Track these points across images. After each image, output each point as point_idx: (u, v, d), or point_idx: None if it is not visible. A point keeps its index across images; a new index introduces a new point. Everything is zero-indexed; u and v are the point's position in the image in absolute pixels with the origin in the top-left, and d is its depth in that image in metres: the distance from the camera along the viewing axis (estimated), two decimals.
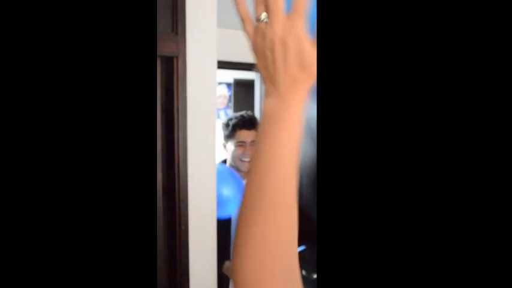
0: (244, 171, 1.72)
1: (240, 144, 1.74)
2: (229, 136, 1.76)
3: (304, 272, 0.44)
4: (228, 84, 4.72)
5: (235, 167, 1.75)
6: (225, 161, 1.83)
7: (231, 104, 4.75)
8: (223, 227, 1.54)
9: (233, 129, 1.75)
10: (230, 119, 1.79)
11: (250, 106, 3.20)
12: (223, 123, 1.81)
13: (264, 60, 0.44)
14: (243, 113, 1.82)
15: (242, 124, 1.75)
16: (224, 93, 4.75)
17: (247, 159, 1.72)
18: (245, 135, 1.74)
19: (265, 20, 0.43)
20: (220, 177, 1.48)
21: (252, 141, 1.73)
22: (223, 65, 2.49)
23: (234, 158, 1.75)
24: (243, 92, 4.46)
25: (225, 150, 1.81)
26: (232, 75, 4.53)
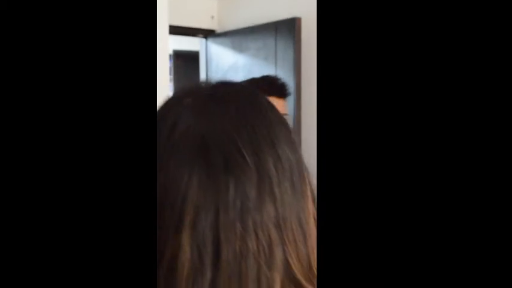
0: None
1: None
2: None
3: None
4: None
5: None
6: None
7: (171, 77, 4.57)
8: None
9: None
10: (250, 82, 1.24)
11: (195, 81, 3.08)
12: None
13: None
14: (266, 75, 1.30)
15: (271, 89, 1.20)
16: None
17: None
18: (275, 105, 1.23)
19: None
20: None
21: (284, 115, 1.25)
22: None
23: None
24: (184, 65, 4.26)
25: None
26: (171, 45, 4.32)
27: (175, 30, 2.56)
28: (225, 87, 0.40)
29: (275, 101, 1.15)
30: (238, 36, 2.55)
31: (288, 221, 0.34)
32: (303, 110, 2.35)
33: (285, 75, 2.35)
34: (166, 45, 1.25)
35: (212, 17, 2.67)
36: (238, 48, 2.57)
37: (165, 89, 1.14)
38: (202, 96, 0.37)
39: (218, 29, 2.75)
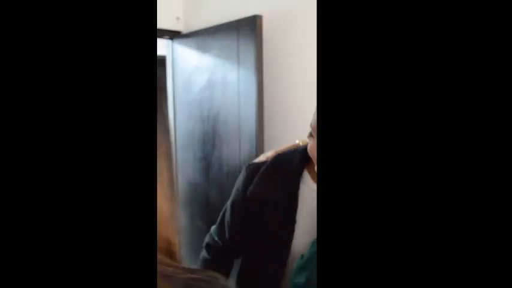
0: None
1: None
2: None
3: None
4: None
5: None
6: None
7: None
8: None
9: None
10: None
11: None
12: None
13: None
14: None
15: None
16: None
17: None
18: None
19: None
20: None
21: None
22: None
23: None
24: None
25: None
26: None
27: None
28: None
29: None
30: (203, 36, 2.61)
31: None
32: (266, 108, 2.41)
33: (247, 74, 2.41)
34: None
35: (178, 18, 2.72)
36: (203, 49, 2.61)
37: None
38: None
39: (184, 30, 2.80)
